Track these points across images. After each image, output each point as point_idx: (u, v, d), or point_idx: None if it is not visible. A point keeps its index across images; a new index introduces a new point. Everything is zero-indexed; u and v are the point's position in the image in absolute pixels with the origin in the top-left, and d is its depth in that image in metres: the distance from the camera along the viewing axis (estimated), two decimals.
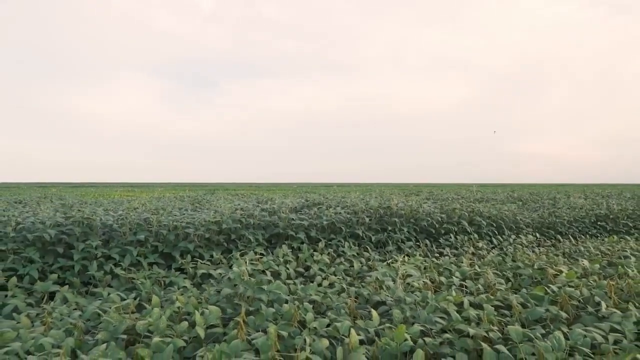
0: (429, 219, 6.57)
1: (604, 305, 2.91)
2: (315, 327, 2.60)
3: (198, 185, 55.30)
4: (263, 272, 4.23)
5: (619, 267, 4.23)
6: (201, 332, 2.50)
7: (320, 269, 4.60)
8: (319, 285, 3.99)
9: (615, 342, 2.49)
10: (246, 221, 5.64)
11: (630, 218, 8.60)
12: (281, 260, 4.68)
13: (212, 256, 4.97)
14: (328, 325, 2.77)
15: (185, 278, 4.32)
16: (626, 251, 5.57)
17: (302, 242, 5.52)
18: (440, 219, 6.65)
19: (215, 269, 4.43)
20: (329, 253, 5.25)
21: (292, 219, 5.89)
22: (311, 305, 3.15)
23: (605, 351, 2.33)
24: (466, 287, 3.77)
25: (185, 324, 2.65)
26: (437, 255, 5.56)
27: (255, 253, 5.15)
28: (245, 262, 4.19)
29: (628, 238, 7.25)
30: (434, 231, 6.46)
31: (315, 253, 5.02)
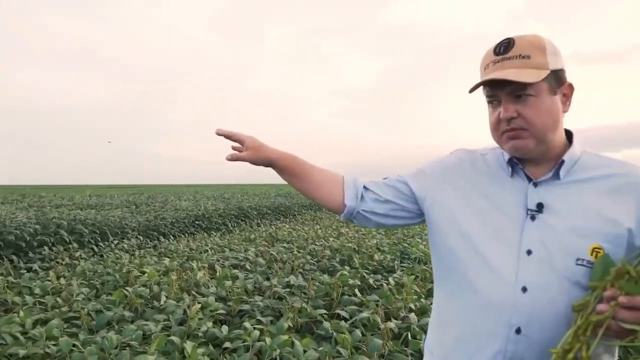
0: (19, 231, 5.88)
1: (163, 298, 3.44)
2: None
3: None
4: None
5: (194, 261, 5.07)
6: None
7: None
8: None
9: (165, 328, 2.99)
10: None
11: (221, 216, 10.36)
12: None
13: None
14: None
15: None
16: (207, 245, 6.70)
17: None
18: (34, 231, 6.06)
19: None
20: None
21: None
22: None
23: (154, 338, 2.77)
24: (44, 303, 3.62)
25: None
26: (24, 271, 5.04)
27: None
28: None
29: (214, 234, 8.74)
30: (24, 245, 5.82)
31: None
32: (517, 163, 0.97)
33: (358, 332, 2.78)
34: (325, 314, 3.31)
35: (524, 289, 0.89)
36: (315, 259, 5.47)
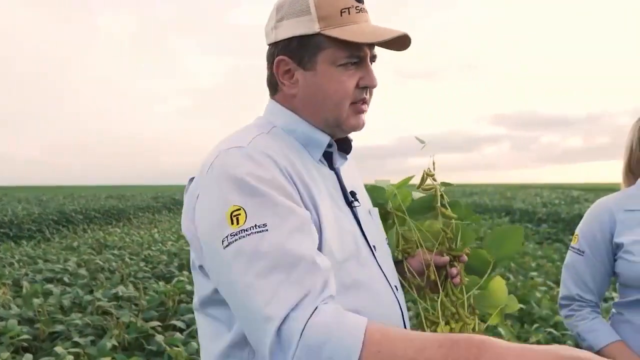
0: None
1: None
2: None
3: None
4: None
5: None
6: None
7: None
8: None
9: None
10: None
11: (36, 222, 8.88)
12: None
13: None
14: None
15: None
16: (14, 257, 5.63)
17: None
18: None
19: None
20: None
21: None
22: None
23: None
24: None
25: None
26: None
27: None
28: None
29: (26, 243, 7.42)
30: None
31: None
32: (332, 145, 0.77)
33: (194, 343, 2.56)
34: (158, 326, 3.00)
35: (396, 288, 0.77)
36: (150, 266, 5.01)
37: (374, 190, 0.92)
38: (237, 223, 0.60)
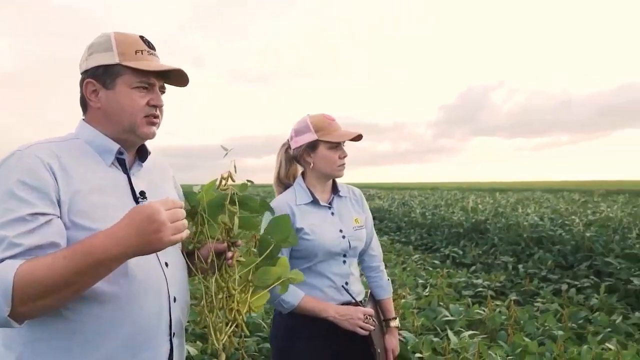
0: None
1: None
2: None
3: None
4: None
5: None
6: None
7: None
8: None
9: None
10: None
11: None
12: None
13: None
14: None
15: None
16: None
17: None
18: None
19: None
20: None
21: None
22: None
23: None
24: None
25: None
26: None
27: None
28: None
29: None
30: None
31: None
32: (123, 152, 0.99)
33: None
34: None
35: (166, 265, 0.99)
36: None
37: (188, 195, 1.08)
38: None
